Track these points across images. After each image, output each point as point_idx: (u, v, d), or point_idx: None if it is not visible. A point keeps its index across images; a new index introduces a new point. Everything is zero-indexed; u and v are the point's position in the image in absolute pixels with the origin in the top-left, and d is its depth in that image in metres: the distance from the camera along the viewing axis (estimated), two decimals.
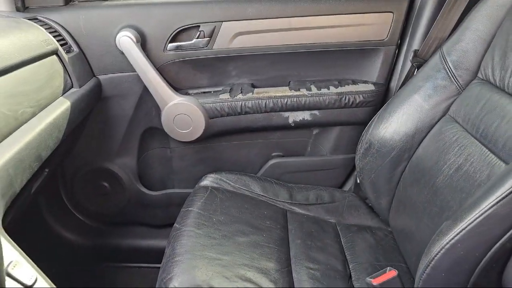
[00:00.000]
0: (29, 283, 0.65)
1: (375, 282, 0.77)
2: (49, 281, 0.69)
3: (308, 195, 1.30)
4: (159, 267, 1.03)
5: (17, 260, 0.67)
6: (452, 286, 0.72)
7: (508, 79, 0.93)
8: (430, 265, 0.73)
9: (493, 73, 0.99)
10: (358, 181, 1.30)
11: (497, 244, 0.69)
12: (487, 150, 0.90)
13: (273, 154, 1.47)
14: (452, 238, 0.71)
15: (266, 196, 1.26)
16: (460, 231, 0.70)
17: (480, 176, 0.87)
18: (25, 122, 0.93)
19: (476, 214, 0.69)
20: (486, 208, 0.69)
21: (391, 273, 0.78)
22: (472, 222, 0.69)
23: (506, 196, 0.67)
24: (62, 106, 1.08)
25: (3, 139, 0.84)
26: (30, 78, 0.99)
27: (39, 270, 0.69)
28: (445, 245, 0.71)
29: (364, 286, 0.94)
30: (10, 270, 0.63)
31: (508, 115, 0.88)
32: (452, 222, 0.73)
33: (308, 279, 0.96)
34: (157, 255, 1.44)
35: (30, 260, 0.69)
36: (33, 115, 0.97)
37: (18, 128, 0.90)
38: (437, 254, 0.72)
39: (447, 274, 0.72)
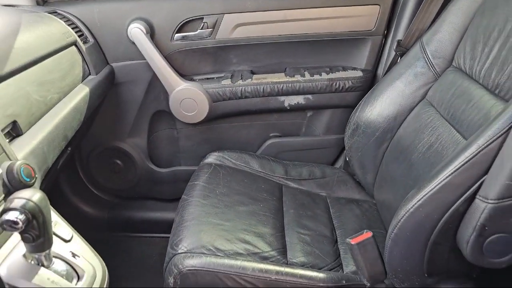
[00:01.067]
0: (67, 238, 0.81)
1: (353, 241, 0.91)
2: (82, 238, 0.84)
3: (301, 171, 1.44)
4: (167, 236, 1.16)
5: (56, 221, 0.82)
6: (415, 244, 0.87)
7: (476, 67, 1.06)
8: (398, 225, 0.87)
9: (464, 62, 1.12)
10: (347, 159, 1.44)
11: (452, 208, 0.83)
12: (454, 130, 1.03)
13: (271, 134, 1.61)
14: (415, 204, 0.85)
15: (263, 172, 1.40)
16: (422, 198, 0.84)
17: (447, 152, 1.01)
18: (53, 107, 1.07)
19: (435, 183, 0.83)
20: (443, 178, 0.82)
21: (367, 234, 0.92)
22: (431, 190, 0.83)
23: (460, 167, 0.81)
24: (82, 92, 1.22)
25: (36, 122, 0.99)
26: (54, 67, 1.13)
27: (74, 229, 0.84)
28: (409, 209, 0.86)
29: (342, 243, 1.09)
30: (53, 228, 0.78)
31: (473, 100, 1.01)
32: (416, 190, 0.87)
33: (299, 242, 1.11)
34: (166, 226, 1.60)
35: (66, 221, 0.84)
36: (59, 100, 1.11)
37: (47, 112, 1.04)
38: (403, 216, 0.87)
39: (411, 233, 0.87)
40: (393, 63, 1.40)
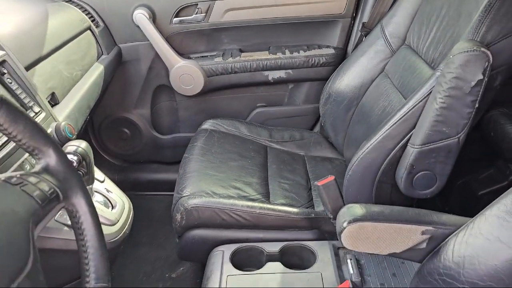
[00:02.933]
0: (101, 179, 1.06)
1: (319, 183, 1.16)
2: (113, 184, 1.10)
3: (283, 135, 1.69)
4: (170, 194, 1.39)
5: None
6: (365, 182, 1.14)
7: (420, 45, 1.31)
8: (351, 168, 1.14)
9: (413, 41, 1.37)
10: (322, 124, 1.70)
11: (391, 154, 1.09)
12: (401, 96, 1.29)
13: (258, 104, 1.86)
14: (364, 151, 1.12)
15: (251, 136, 1.65)
16: (369, 146, 1.11)
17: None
18: (77, 82, 1.31)
19: (379, 135, 1.10)
20: (384, 131, 1.09)
21: (330, 178, 1.17)
22: (376, 140, 1.10)
23: (396, 122, 1.07)
24: (98, 69, 1.46)
25: (67, 93, 1.23)
26: (76, 49, 1.36)
27: (105, 175, 1.10)
28: (360, 156, 1.12)
29: (315, 190, 1.35)
30: None
31: (416, 72, 1.27)
32: (366, 141, 1.13)
33: (280, 189, 1.37)
34: (168, 185, 1.86)
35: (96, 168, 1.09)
36: (81, 76, 1.35)
37: (74, 86, 1.29)
38: (355, 161, 1.13)
39: (361, 174, 1.14)
40: (359, 42, 1.64)
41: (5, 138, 0.83)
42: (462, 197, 1.59)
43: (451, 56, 0.96)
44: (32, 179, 0.59)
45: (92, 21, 1.56)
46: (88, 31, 1.50)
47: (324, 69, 1.74)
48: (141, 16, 1.60)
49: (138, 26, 1.62)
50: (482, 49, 0.92)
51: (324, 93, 1.61)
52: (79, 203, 0.64)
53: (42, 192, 0.58)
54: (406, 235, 0.83)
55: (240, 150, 1.53)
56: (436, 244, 0.83)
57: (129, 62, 1.72)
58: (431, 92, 1.02)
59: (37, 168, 0.62)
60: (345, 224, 0.82)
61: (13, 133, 0.58)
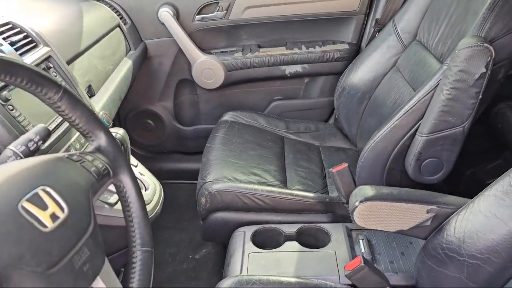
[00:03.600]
0: (135, 164, 1.17)
1: (334, 170, 1.25)
2: (145, 168, 1.20)
3: (299, 126, 1.78)
4: (191, 182, 1.49)
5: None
6: (376, 169, 1.23)
7: (430, 41, 1.38)
8: (364, 155, 1.23)
9: (423, 37, 1.44)
10: (336, 116, 1.79)
11: (401, 142, 1.18)
12: (411, 89, 1.36)
13: (275, 97, 1.95)
14: (376, 140, 1.20)
15: (269, 127, 1.75)
16: (380, 135, 1.19)
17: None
18: (110, 75, 1.42)
19: (389, 124, 1.18)
20: (394, 121, 1.17)
21: (344, 165, 1.26)
22: (387, 129, 1.18)
23: (405, 113, 1.15)
24: (127, 64, 1.56)
25: (102, 86, 1.34)
26: (108, 45, 1.47)
27: (137, 161, 1.20)
28: (371, 144, 1.21)
29: (330, 178, 1.44)
30: None
31: (425, 66, 1.34)
32: (377, 131, 1.22)
33: (296, 176, 1.47)
34: (190, 174, 1.97)
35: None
36: (113, 70, 1.46)
37: (107, 79, 1.39)
38: (367, 149, 1.22)
39: (373, 161, 1.22)
40: (372, 37, 1.72)
41: (55, 124, 0.94)
42: (470, 186, 1.66)
43: (456, 51, 1.04)
44: (89, 157, 0.69)
45: (121, 18, 1.67)
46: (118, 28, 1.60)
47: (338, 64, 1.82)
48: (165, 14, 1.70)
49: (162, 23, 1.72)
50: (485, 44, 1.00)
51: (338, 86, 1.69)
52: (126, 179, 0.75)
53: (97, 169, 0.68)
54: (413, 214, 0.92)
55: (259, 140, 1.63)
56: (439, 222, 0.92)
57: (153, 57, 1.82)
58: (438, 84, 1.10)
59: (91, 148, 0.72)
60: (356, 203, 0.91)
61: (72, 118, 0.68)
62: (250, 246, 1.20)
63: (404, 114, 1.16)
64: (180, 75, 1.88)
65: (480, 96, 1.04)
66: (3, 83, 0.85)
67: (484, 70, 1.01)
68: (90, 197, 0.65)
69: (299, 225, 1.26)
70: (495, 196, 0.83)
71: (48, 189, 0.57)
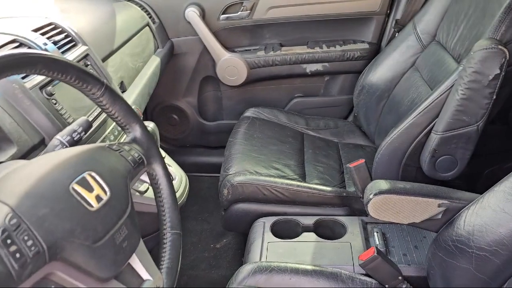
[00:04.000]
0: (163, 155, 1.24)
1: (351, 165, 1.30)
2: (172, 160, 1.28)
3: (319, 123, 1.84)
4: (214, 176, 1.55)
5: None
6: (392, 165, 1.27)
7: (449, 42, 1.41)
8: (380, 152, 1.28)
9: (442, 37, 1.47)
10: (355, 114, 1.83)
11: (416, 140, 1.22)
12: (429, 88, 1.40)
13: (296, 95, 2.01)
14: (392, 137, 1.25)
15: (289, 123, 1.80)
16: (396, 132, 1.24)
17: None
18: (140, 72, 1.50)
19: (406, 122, 1.23)
20: (411, 119, 1.22)
21: (361, 161, 1.31)
22: (403, 127, 1.23)
23: (421, 111, 1.20)
24: (155, 61, 1.64)
25: (132, 82, 1.42)
26: (138, 43, 1.55)
27: (165, 152, 1.28)
28: (388, 141, 1.26)
29: (347, 173, 1.49)
30: None
31: (443, 66, 1.38)
32: (394, 128, 1.27)
33: (315, 171, 1.52)
34: (212, 168, 2.04)
35: None
36: (142, 67, 1.54)
37: (137, 75, 1.48)
38: (384, 145, 1.27)
39: (389, 157, 1.27)
40: (392, 37, 1.76)
41: (92, 117, 1.02)
42: (488, 185, 1.68)
43: (472, 53, 1.08)
44: (126, 147, 0.77)
45: (150, 18, 1.75)
46: (147, 27, 1.69)
47: (358, 63, 1.86)
48: (192, 13, 1.77)
49: (189, 22, 1.80)
50: (500, 46, 1.03)
51: (358, 85, 1.74)
52: (158, 168, 0.82)
53: (133, 157, 0.76)
54: (424, 207, 0.97)
55: (279, 136, 1.69)
56: (450, 216, 0.96)
57: (179, 54, 1.90)
58: (453, 84, 1.14)
59: (128, 139, 0.80)
60: (371, 196, 0.96)
61: (112, 112, 0.76)
62: (269, 236, 1.26)
63: (420, 112, 1.20)
64: (204, 72, 1.95)
65: (494, 97, 1.08)
66: (48, 80, 0.94)
67: (498, 72, 1.04)
68: (128, 182, 0.72)
69: (316, 217, 1.31)
70: (504, 191, 0.87)
71: (93, 173, 0.64)
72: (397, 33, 1.72)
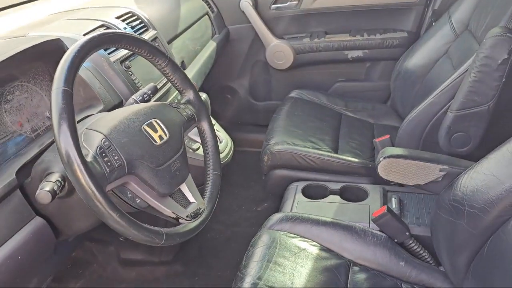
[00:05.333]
0: (213, 122, 1.49)
1: (377, 140, 1.47)
2: (220, 126, 1.52)
3: (357, 105, 2.00)
4: (259, 151, 1.76)
5: None
6: (413, 139, 1.43)
7: (478, 31, 1.52)
8: (402, 128, 1.44)
9: (473, 26, 1.58)
10: (393, 98, 1.97)
11: (435, 117, 1.37)
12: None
13: (338, 79, 2.18)
14: (414, 114, 1.41)
15: (329, 104, 1.98)
16: (417, 110, 1.39)
17: None
18: (198, 54, 1.76)
19: (425, 102, 1.38)
20: (430, 98, 1.37)
21: (386, 136, 1.48)
22: (424, 106, 1.38)
23: (440, 92, 1.34)
24: (212, 46, 1.89)
25: (191, 62, 1.67)
26: (198, 29, 1.81)
27: (214, 120, 1.52)
28: (409, 118, 1.42)
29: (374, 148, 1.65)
30: None
31: (471, 54, 1.49)
32: (416, 107, 1.42)
33: (347, 146, 1.69)
34: (259, 143, 2.25)
35: None
36: (200, 50, 1.79)
37: (195, 57, 1.73)
38: (405, 122, 1.43)
39: (410, 133, 1.43)
40: (429, 27, 1.88)
41: (158, 86, 1.28)
42: None
43: (484, 40, 1.21)
44: (182, 106, 1.01)
45: (209, 7, 2.00)
46: (206, 15, 1.94)
47: (397, 50, 1.99)
48: (246, 3, 2.00)
49: (243, 12, 2.03)
50: (508, 34, 1.16)
51: (395, 70, 1.88)
52: (205, 125, 1.06)
53: (187, 114, 1.00)
54: (427, 171, 1.13)
55: (318, 114, 1.88)
56: (450, 180, 1.12)
57: (234, 40, 2.14)
58: (467, 70, 1.28)
59: (183, 100, 1.04)
60: (381, 159, 1.14)
61: (173, 78, 1.01)
62: (300, 196, 1.47)
63: (438, 93, 1.35)
64: (255, 56, 2.18)
65: (504, 79, 1.20)
66: (126, 56, 1.21)
67: (506, 56, 1.17)
68: (182, 131, 0.97)
69: (342, 184, 1.50)
70: (495, 158, 1.02)
71: (158, 120, 0.89)
72: (433, 23, 1.83)
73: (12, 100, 1.00)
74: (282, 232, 1.23)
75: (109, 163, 0.75)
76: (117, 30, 0.94)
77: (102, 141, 0.77)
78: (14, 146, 0.98)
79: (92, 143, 0.77)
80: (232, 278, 1.14)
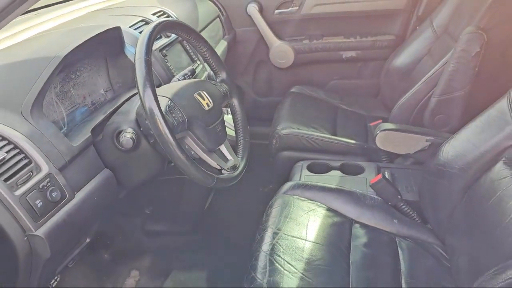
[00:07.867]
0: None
1: (371, 124, 1.71)
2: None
3: (351, 100, 2.24)
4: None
5: None
6: (402, 122, 1.67)
7: (456, 32, 1.79)
8: (393, 113, 1.68)
9: (452, 29, 1.85)
10: (382, 93, 2.23)
11: (420, 103, 1.62)
12: None
13: (334, 77, 2.43)
14: (402, 101, 1.65)
15: (327, 99, 2.22)
16: (405, 97, 1.64)
17: None
18: None
19: (412, 90, 1.63)
20: (416, 87, 1.62)
21: (379, 121, 1.72)
22: (410, 93, 1.63)
23: (424, 81, 1.60)
24: (223, 45, 2.12)
25: None
26: (212, 29, 2.04)
27: None
28: (399, 104, 1.66)
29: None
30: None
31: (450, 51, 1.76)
32: (404, 94, 1.67)
33: (344, 132, 1.93)
34: (262, 136, 2.48)
35: None
36: (215, 47, 2.02)
37: None
38: (395, 108, 1.67)
39: (399, 117, 1.67)
40: (413, 30, 2.15)
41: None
42: None
43: (461, 36, 1.47)
44: (218, 84, 1.24)
45: (220, 11, 2.23)
46: (217, 18, 2.17)
47: (386, 51, 2.25)
48: (252, 8, 2.24)
49: (249, 16, 2.27)
50: (480, 31, 1.42)
51: (384, 69, 2.14)
52: (235, 101, 1.29)
53: (223, 90, 1.23)
54: (416, 141, 1.37)
55: (318, 107, 2.11)
56: (434, 148, 1.36)
57: (240, 41, 2.38)
58: (445, 63, 1.53)
59: (218, 79, 1.27)
60: (378, 132, 1.39)
61: (211, 61, 1.23)
62: (306, 172, 1.70)
63: (423, 82, 1.61)
64: (259, 56, 2.42)
65: (477, 69, 1.46)
66: (164, 45, 1.43)
67: (478, 50, 1.43)
68: (220, 103, 1.19)
69: (342, 161, 1.73)
70: (471, 128, 1.25)
71: (204, 92, 1.12)
72: (417, 27, 2.10)
73: (77, 77, 1.21)
74: (295, 196, 1.45)
75: (175, 117, 0.97)
76: (176, 19, 1.17)
77: (169, 102, 0.99)
78: (80, 115, 1.19)
79: (162, 104, 0.98)
80: (245, 247, 1.33)
